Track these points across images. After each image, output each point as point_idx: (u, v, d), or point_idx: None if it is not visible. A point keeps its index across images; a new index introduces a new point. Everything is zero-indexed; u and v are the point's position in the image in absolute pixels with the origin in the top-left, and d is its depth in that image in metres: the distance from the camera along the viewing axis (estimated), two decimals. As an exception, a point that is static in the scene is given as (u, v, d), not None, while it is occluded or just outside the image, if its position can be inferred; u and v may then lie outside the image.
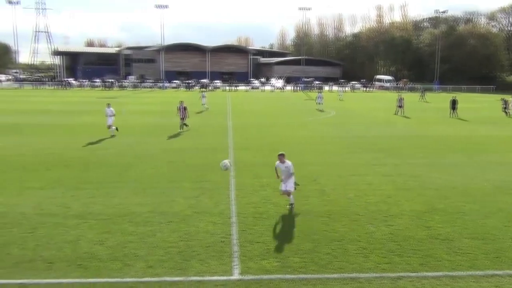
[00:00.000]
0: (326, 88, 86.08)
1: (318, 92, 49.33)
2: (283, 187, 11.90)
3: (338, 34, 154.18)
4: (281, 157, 11.90)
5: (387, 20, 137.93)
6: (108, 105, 25.13)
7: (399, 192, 13.74)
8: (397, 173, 16.19)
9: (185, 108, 26.80)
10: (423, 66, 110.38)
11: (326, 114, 38.08)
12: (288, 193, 11.90)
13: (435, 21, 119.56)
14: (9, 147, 20.57)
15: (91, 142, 22.04)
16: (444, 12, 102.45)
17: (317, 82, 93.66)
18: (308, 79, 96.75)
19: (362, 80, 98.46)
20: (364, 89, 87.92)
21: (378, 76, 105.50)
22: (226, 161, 12.81)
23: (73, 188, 13.62)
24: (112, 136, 23.89)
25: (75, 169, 16.24)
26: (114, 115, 24.72)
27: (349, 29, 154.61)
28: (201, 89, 62.58)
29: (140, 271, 8.26)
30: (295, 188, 12.18)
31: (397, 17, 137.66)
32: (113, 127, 24.50)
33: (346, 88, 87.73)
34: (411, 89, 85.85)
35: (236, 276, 8.17)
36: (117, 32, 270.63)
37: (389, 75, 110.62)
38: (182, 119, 26.74)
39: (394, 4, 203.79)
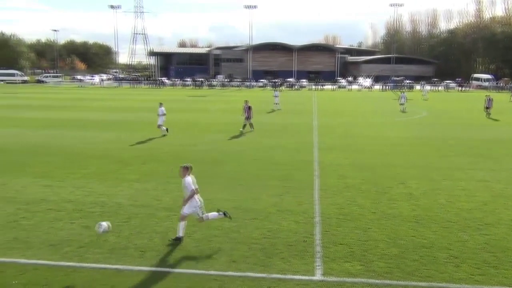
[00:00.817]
0: (418, 87, 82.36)
1: (401, 92, 45.81)
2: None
3: (431, 31, 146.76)
4: (183, 170, 9.67)
5: (487, 14, 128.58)
6: (160, 104, 24.73)
7: (496, 199, 12.77)
8: (495, 179, 15.06)
9: (249, 108, 25.93)
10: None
11: (417, 115, 36.44)
12: (182, 217, 9.52)
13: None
14: (110, 142, 22.16)
15: (181, 139, 23.08)
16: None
17: (407, 81, 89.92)
18: (398, 78, 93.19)
19: (457, 79, 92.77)
20: (460, 88, 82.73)
21: (476, 75, 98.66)
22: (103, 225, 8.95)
23: (165, 182, 14.35)
24: (163, 135, 23.69)
25: (166, 164, 17.09)
26: (164, 115, 24.26)
27: (444, 25, 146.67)
28: (274, 88, 62.20)
29: (224, 265, 8.50)
30: (202, 216, 9.65)
31: (499, 11, 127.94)
32: (163, 127, 24.14)
33: (439, 87, 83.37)
34: (513, 89, 79.35)
35: (318, 276, 8.10)
36: (206, 32, 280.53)
37: (488, 73, 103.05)
38: (247, 118, 25.96)
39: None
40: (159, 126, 24.25)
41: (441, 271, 8.31)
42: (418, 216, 11.28)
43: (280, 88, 76.91)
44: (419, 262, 8.68)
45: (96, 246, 9.32)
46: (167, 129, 24.30)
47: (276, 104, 40.20)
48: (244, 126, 25.92)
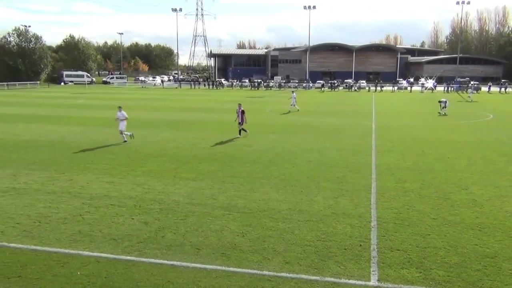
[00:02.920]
0: (485, 89, 78.45)
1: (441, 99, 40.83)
2: None
3: (501, 29, 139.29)
4: None
5: None
6: (120, 108, 22.65)
7: None
8: None
9: (243, 112, 23.87)
10: None
11: (483, 118, 34.70)
12: None
13: None
14: (168, 141, 22.82)
15: (237, 139, 23.32)
16: None
17: (473, 83, 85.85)
18: (463, 79, 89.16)
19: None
20: (531, 90, 77.88)
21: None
22: None
23: (220, 181, 14.57)
24: (125, 141, 22.14)
25: (222, 164, 17.35)
26: (126, 119, 22.39)
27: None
28: (292, 89, 61.16)
29: (278, 266, 8.49)
30: None
31: None
32: (125, 133, 22.37)
33: (508, 89, 78.82)
34: None
35: (373, 282, 7.91)
36: (264, 33, 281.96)
37: None
38: (240, 123, 24.00)
39: None
40: (121, 132, 22.34)
41: (506, 283, 7.85)
42: (481, 224, 10.73)
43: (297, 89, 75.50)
44: (482, 272, 8.25)
45: (154, 242, 9.62)
46: (132, 134, 22.72)
47: (292, 105, 39.44)
48: (240, 131, 24.12)
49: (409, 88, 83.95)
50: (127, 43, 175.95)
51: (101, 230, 10.30)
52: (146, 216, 11.25)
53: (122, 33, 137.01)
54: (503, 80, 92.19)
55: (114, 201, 12.44)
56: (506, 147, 21.34)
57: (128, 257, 8.85)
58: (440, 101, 38.07)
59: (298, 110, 39.06)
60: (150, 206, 12.05)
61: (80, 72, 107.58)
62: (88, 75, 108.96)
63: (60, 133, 25.59)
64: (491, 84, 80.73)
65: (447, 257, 8.89)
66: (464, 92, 74.03)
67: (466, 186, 14.14)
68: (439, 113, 36.75)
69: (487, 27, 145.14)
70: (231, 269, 8.38)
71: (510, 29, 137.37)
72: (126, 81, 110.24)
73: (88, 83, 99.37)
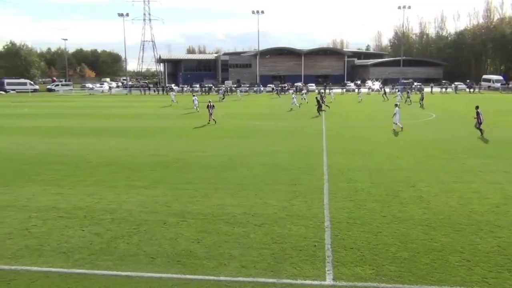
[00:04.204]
0: (427, 89, 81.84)
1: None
2: None
3: (440, 33, 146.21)
4: None
5: (496, 15, 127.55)
6: None
7: (509, 201, 12.61)
8: (508, 181, 14.88)
9: (213, 106, 25.46)
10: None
11: (425, 117, 36.21)
12: None
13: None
14: (119, 149, 22.27)
15: (189, 145, 23.12)
16: None
17: (416, 84, 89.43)
18: (407, 81, 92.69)
19: (467, 81, 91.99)
20: (470, 90, 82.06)
21: (486, 76, 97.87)
22: None
23: (174, 188, 14.38)
24: None
25: (175, 170, 17.13)
26: None
27: (453, 27, 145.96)
28: (192, 93, 63.74)
29: (234, 271, 8.47)
30: None
31: (508, 12, 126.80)
32: None
33: (449, 89, 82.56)
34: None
35: (329, 281, 8.05)
36: (216, 39, 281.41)
37: (498, 74, 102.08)
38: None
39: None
40: None
41: (454, 275, 8.21)
42: (429, 219, 11.18)
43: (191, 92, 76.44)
44: (430, 265, 8.60)
45: (106, 253, 9.35)
46: None
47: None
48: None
49: (356, 90, 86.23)
50: (71, 49, 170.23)
51: (50, 243, 9.90)
52: (97, 227, 10.92)
53: (66, 39, 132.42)
54: (443, 81, 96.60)
55: (62, 213, 11.99)
56: (448, 144, 22.36)
57: (80, 270, 8.55)
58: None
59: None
60: (101, 216, 11.71)
61: (22, 80, 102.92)
62: (32, 82, 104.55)
63: (2, 145, 24.39)
64: (432, 85, 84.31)
65: (398, 252, 9.19)
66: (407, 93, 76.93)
67: (413, 183, 14.69)
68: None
69: (427, 30, 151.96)
70: (188, 276, 8.29)
71: (448, 32, 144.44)
72: (72, 88, 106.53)
73: (31, 91, 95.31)
